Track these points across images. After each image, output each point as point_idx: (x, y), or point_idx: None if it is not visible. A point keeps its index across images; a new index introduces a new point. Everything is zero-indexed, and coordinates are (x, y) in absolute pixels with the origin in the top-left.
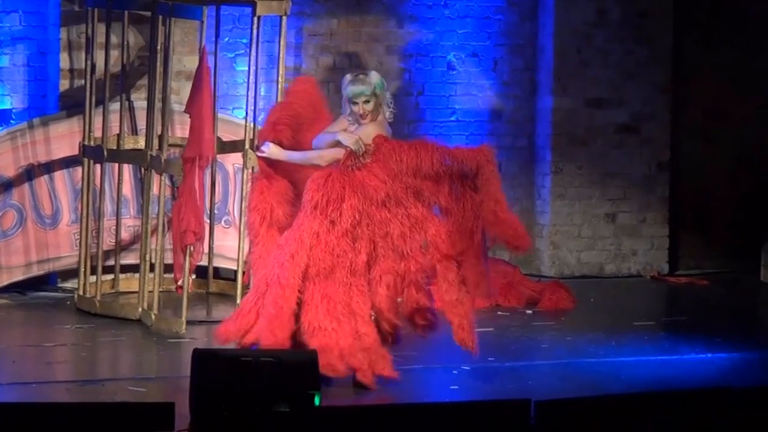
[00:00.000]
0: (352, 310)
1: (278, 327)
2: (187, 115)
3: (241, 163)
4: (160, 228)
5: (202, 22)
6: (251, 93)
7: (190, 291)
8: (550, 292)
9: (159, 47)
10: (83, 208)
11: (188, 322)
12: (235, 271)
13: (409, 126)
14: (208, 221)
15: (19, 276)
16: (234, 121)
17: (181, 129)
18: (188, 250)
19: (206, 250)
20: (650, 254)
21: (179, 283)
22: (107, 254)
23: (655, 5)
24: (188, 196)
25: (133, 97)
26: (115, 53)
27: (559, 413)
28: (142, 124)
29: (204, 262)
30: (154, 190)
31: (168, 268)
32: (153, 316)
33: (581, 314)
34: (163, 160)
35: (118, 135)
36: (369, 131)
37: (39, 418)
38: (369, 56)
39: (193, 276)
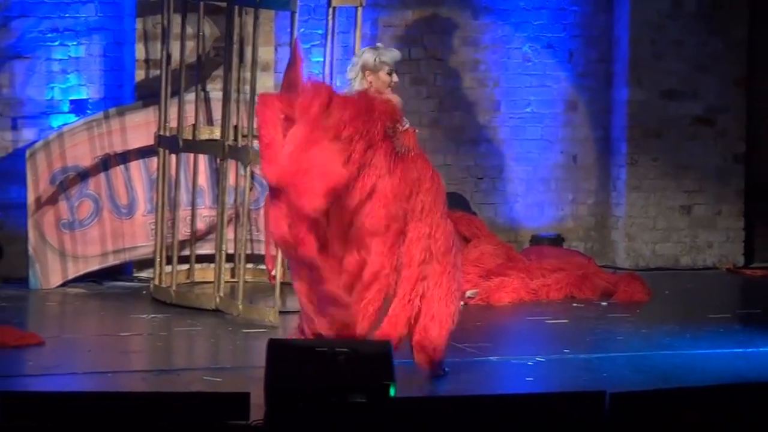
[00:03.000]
0: None
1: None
2: None
3: None
4: (244, 218)
5: (294, 12)
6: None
7: (274, 282)
8: (625, 284)
9: (234, 38)
10: (159, 198)
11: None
12: None
13: (485, 117)
14: None
15: (95, 266)
16: None
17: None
18: None
19: None
20: (725, 246)
21: (272, 273)
22: (182, 244)
23: None
24: None
25: (208, 87)
26: (190, 44)
27: (634, 405)
28: (217, 114)
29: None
30: (230, 180)
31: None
32: (240, 306)
33: (656, 306)
34: (245, 150)
35: (194, 125)
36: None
37: (114, 406)
38: (443, 48)
39: (262, 266)
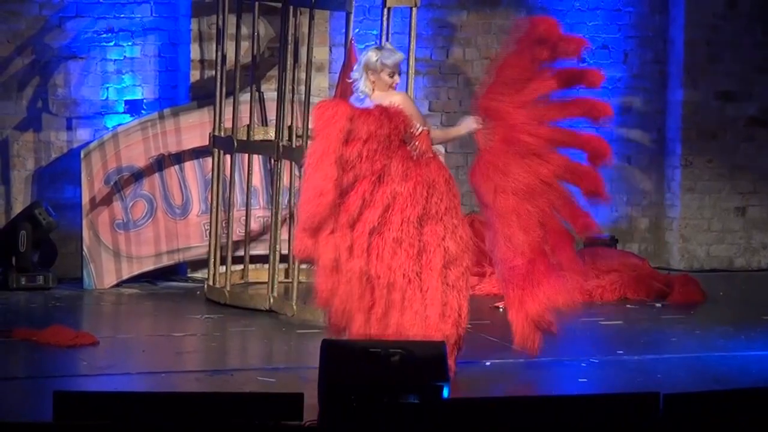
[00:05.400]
0: None
1: None
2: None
3: None
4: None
5: (350, 13)
6: None
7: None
8: (679, 285)
9: (289, 38)
10: (213, 198)
11: None
12: None
13: None
14: None
15: (149, 266)
16: None
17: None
18: None
19: None
20: None
21: None
22: (237, 245)
23: None
24: None
25: (263, 88)
26: (245, 44)
27: (688, 407)
28: (271, 115)
29: None
30: (284, 180)
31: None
32: (294, 306)
33: (710, 308)
34: (300, 151)
35: (248, 126)
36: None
37: (168, 407)
38: (498, 48)
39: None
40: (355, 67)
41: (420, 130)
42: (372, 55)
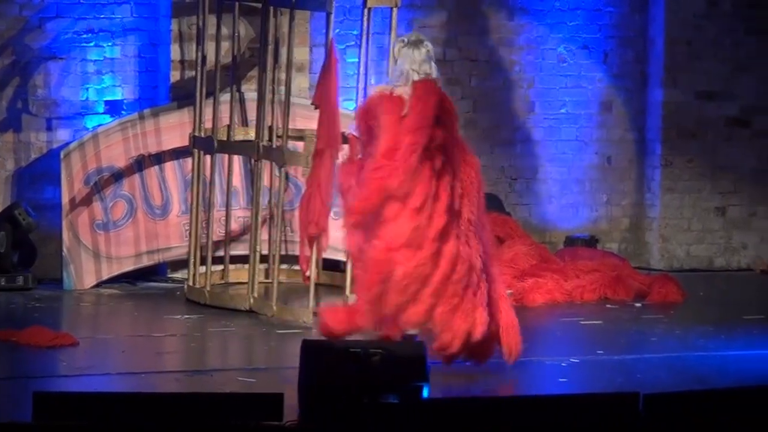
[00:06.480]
0: None
1: None
2: (305, 107)
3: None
4: (278, 219)
5: (330, 13)
6: (361, 85)
7: (310, 282)
8: (659, 285)
9: (270, 39)
10: (193, 198)
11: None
12: (344, 262)
13: (519, 118)
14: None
15: (129, 266)
16: (344, 113)
17: (299, 121)
18: (315, 241)
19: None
20: (760, 248)
21: (306, 273)
22: (217, 245)
23: None
24: (316, 188)
25: (243, 88)
26: (225, 45)
27: (668, 407)
28: (252, 115)
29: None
30: (264, 181)
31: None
32: (274, 307)
33: (690, 308)
34: (280, 151)
35: (229, 126)
36: None
37: (148, 407)
38: (479, 48)
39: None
40: (427, 65)
41: None
42: (431, 49)
